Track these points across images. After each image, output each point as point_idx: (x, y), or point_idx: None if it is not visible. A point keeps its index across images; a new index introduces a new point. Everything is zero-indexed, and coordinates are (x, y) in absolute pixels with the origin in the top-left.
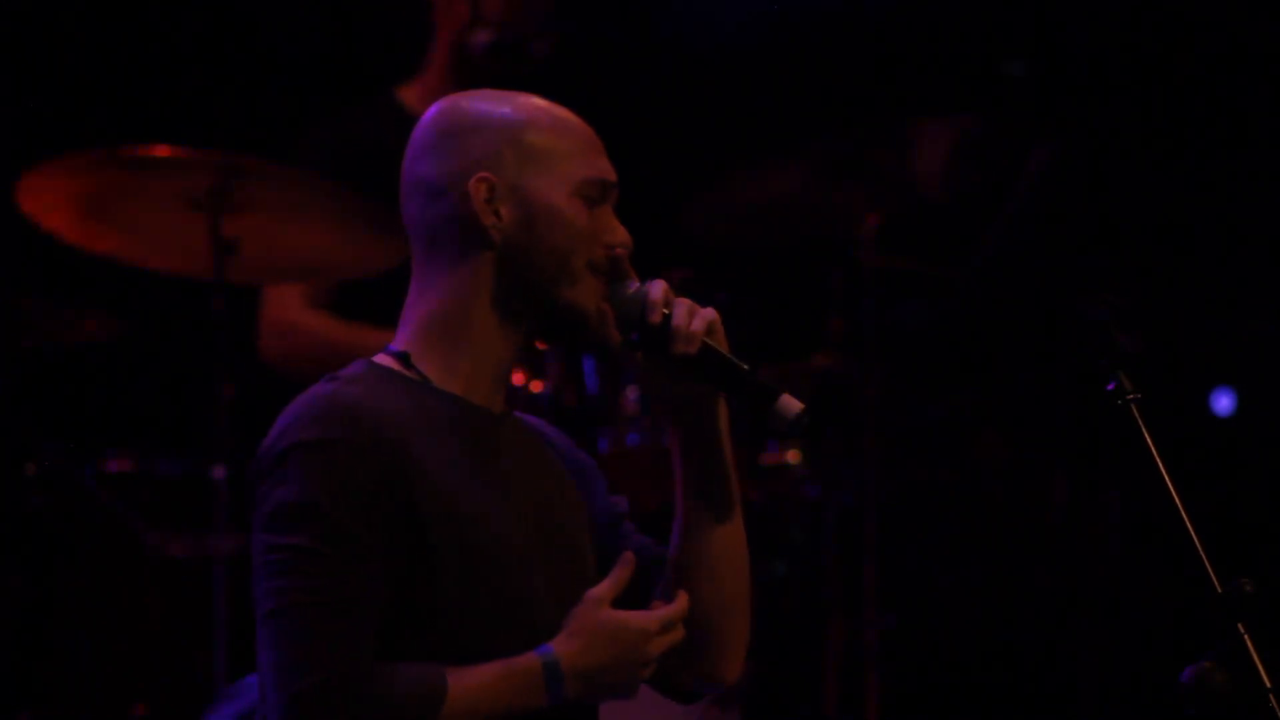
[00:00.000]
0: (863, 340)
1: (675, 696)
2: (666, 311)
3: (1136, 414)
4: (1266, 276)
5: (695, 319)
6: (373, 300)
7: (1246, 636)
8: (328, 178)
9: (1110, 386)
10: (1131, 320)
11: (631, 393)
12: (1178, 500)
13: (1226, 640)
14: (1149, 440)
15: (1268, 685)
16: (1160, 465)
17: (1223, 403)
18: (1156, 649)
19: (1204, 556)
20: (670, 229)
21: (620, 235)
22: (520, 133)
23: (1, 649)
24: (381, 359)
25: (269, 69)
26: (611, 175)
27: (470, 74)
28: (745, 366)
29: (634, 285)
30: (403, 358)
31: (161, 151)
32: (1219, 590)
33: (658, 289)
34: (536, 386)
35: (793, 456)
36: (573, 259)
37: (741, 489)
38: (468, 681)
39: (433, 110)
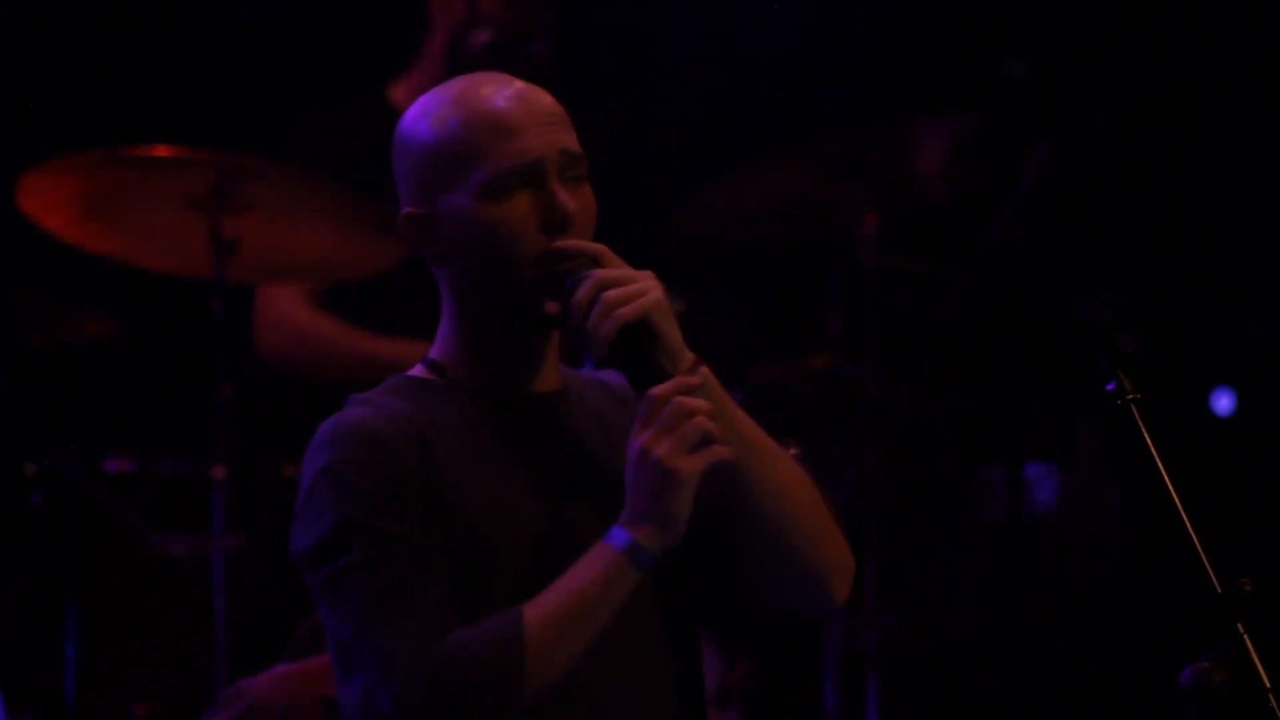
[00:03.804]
0: (863, 340)
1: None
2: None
3: (1136, 414)
4: (1266, 276)
5: (606, 320)
6: (371, 300)
7: (1246, 636)
8: (327, 177)
9: (1110, 386)
10: (1131, 320)
11: None
12: (1178, 500)
13: (1226, 640)
14: (1149, 440)
15: (1268, 685)
16: (1160, 465)
17: (1223, 403)
18: (1156, 649)
19: (1204, 556)
20: (670, 229)
21: (557, 213)
22: (428, 154)
23: (2, 649)
24: (415, 370)
25: (268, 69)
26: (530, 154)
27: (468, 72)
28: (642, 370)
29: (570, 281)
30: (433, 366)
31: (161, 151)
32: (1219, 590)
33: (584, 288)
34: None
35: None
36: (500, 268)
37: None
38: (543, 600)
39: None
